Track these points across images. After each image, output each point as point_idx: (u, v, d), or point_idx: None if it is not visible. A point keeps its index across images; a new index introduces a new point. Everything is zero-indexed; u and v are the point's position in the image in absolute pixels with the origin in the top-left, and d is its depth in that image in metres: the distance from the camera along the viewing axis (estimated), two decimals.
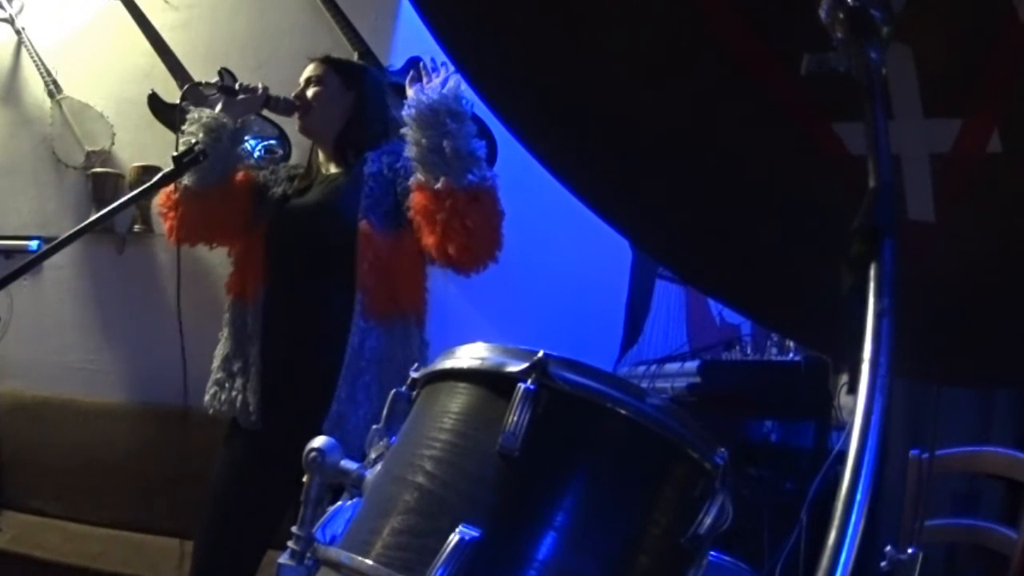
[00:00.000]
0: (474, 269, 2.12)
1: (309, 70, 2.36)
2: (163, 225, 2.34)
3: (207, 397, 2.25)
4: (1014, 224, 1.08)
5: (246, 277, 2.26)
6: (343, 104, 2.33)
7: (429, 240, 2.08)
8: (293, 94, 2.35)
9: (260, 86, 2.34)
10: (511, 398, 0.86)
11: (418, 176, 2.08)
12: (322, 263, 2.22)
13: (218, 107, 2.28)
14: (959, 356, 1.26)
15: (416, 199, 2.09)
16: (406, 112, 2.08)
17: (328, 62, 2.37)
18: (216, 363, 2.26)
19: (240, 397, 2.17)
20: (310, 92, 2.32)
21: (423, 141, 2.03)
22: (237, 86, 2.32)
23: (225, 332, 2.27)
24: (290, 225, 2.26)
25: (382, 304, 2.16)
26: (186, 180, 2.19)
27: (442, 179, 2.02)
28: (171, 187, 2.22)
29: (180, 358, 2.90)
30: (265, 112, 2.48)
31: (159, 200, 2.31)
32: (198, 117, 2.23)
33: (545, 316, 3.35)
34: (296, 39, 3.50)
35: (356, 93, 2.35)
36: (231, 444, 2.24)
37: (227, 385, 2.21)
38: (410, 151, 2.08)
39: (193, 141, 2.16)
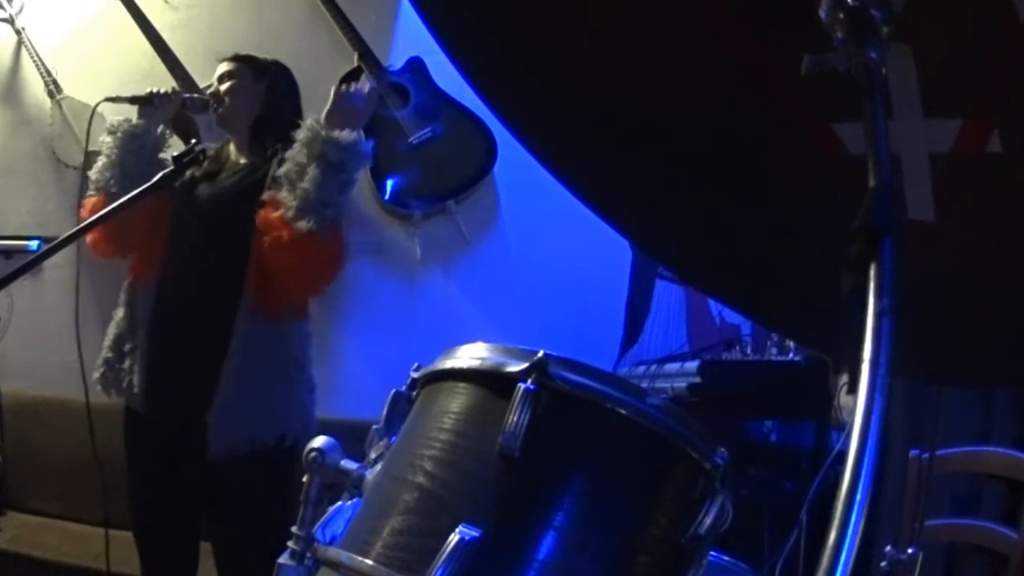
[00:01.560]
0: (270, 306, 2.19)
1: (221, 68, 2.40)
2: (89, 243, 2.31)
3: (95, 375, 2.29)
4: (1014, 224, 1.08)
5: (142, 262, 2.30)
6: (254, 95, 2.36)
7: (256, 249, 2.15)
8: (208, 92, 2.39)
9: (172, 89, 2.39)
10: (511, 398, 0.86)
11: (279, 193, 2.14)
12: (215, 251, 2.25)
13: (135, 118, 2.31)
14: (959, 356, 1.26)
15: (265, 210, 2.15)
16: (306, 123, 2.17)
17: (238, 59, 2.42)
18: (107, 342, 2.29)
19: (128, 378, 2.22)
20: (223, 87, 2.35)
21: (299, 161, 2.14)
22: (150, 92, 2.35)
23: (120, 312, 2.30)
24: (191, 210, 2.28)
25: (271, 299, 2.19)
26: (112, 190, 2.21)
27: (284, 210, 2.11)
28: (96, 201, 2.24)
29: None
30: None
31: (84, 214, 2.27)
32: (114, 129, 2.27)
33: (545, 316, 3.35)
34: (296, 39, 3.51)
35: (267, 85, 2.38)
36: (127, 431, 2.29)
37: (116, 366, 2.26)
38: (285, 164, 2.15)
39: (109, 156, 2.23)
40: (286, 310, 2.24)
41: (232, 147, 2.40)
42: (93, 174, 2.29)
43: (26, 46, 3.53)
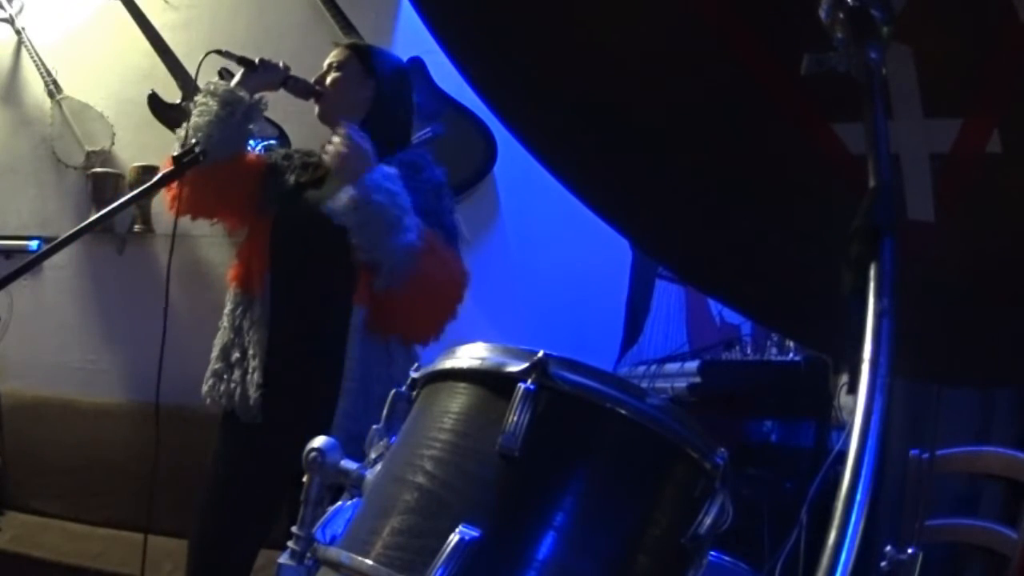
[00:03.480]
0: (380, 327, 2.12)
1: (332, 55, 2.27)
2: (165, 196, 2.23)
3: (205, 388, 2.19)
4: (1014, 224, 1.08)
5: (252, 266, 2.20)
6: (362, 92, 2.23)
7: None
8: (314, 79, 2.26)
9: (281, 63, 2.25)
10: (511, 398, 0.86)
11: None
12: (328, 260, 2.13)
13: (235, 80, 2.20)
14: (959, 356, 1.26)
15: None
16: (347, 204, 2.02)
17: (351, 48, 2.29)
18: (215, 353, 2.20)
19: (239, 389, 2.12)
20: (329, 78, 2.24)
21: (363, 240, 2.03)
22: (257, 60, 2.23)
23: (225, 322, 2.21)
24: (301, 216, 2.18)
25: (381, 321, 2.10)
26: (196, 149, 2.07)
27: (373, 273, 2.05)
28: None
29: (176, 356, 2.87)
30: (267, 114, 2.43)
31: (165, 164, 2.18)
32: (213, 89, 2.15)
33: (545, 316, 3.35)
34: (296, 39, 3.51)
35: (378, 82, 2.24)
36: (227, 440, 2.20)
37: (225, 376, 2.16)
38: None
39: (201, 117, 2.11)
40: (395, 333, 2.15)
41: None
42: (180, 132, 2.16)
43: (26, 46, 3.53)
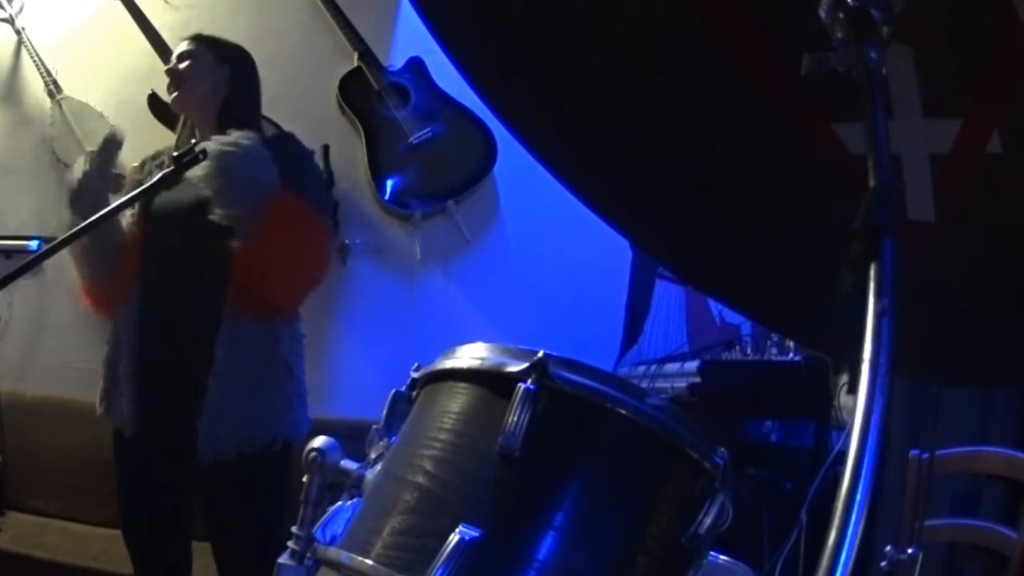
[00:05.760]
0: (255, 308, 2.12)
1: (180, 47, 2.26)
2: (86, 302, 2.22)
3: (97, 400, 2.19)
4: (1014, 224, 1.08)
5: (124, 276, 2.16)
6: (217, 78, 2.22)
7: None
8: (165, 69, 2.25)
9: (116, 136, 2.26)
10: (511, 398, 0.86)
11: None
12: (197, 253, 2.13)
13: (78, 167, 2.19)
14: (959, 356, 1.26)
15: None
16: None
17: (199, 39, 2.27)
18: (104, 368, 2.18)
19: (118, 405, 2.13)
20: (182, 66, 2.21)
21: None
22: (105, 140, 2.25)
23: (109, 338, 2.19)
24: (162, 212, 2.17)
25: (255, 301, 2.10)
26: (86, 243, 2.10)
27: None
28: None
29: None
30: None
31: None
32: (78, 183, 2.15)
33: (545, 316, 3.35)
34: (296, 39, 3.51)
35: (230, 67, 2.25)
36: (118, 459, 2.19)
37: (112, 393, 2.16)
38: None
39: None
40: (272, 311, 2.14)
41: (189, 136, 2.24)
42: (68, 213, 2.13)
43: (26, 46, 3.53)
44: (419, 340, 3.30)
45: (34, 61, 3.50)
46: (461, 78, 1.23)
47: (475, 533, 0.82)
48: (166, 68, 2.25)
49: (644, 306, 3.16)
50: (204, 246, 2.10)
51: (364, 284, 3.47)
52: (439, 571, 0.80)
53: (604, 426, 0.90)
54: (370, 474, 0.98)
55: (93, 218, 1.88)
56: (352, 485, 0.99)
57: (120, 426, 2.15)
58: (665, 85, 1.16)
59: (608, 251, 3.01)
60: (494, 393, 0.90)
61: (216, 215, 2.02)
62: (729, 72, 1.07)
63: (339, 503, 1.00)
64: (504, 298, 3.44)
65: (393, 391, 1.04)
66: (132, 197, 1.94)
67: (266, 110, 2.35)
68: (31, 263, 1.81)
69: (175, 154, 1.98)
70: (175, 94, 2.22)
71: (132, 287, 2.14)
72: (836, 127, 1.05)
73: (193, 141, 2.13)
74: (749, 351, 2.90)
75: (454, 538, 0.81)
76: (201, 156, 1.97)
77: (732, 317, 3.08)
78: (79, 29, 3.61)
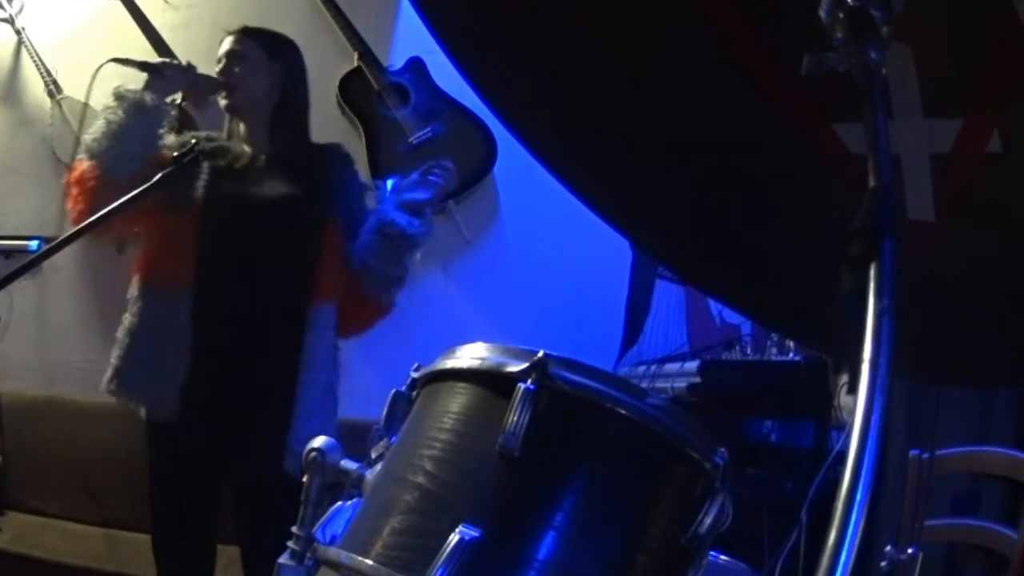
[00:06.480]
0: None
1: (228, 43, 2.18)
2: (70, 211, 2.07)
3: (104, 380, 2.08)
4: (1014, 224, 1.08)
5: (169, 263, 2.08)
6: (272, 78, 2.17)
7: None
8: (216, 71, 2.17)
9: (186, 62, 2.19)
10: (511, 398, 0.86)
11: (365, 260, 2.15)
12: (277, 258, 2.09)
13: (142, 86, 2.11)
14: (959, 356, 1.26)
15: (348, 274, 2.15)
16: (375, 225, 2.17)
17: (247, 34, 2.21)
18: (120, 351, 2.06)
19: (155, 391, 2.04)
20: (236, 69, 2.15)
21: (377, 259, 2.16)
22: (162, 61, 2.18)
23: (136, 320, 2.07)
24: (234, 207, 2.10)
25: (344, 316, 2.15)
26: (106, 160, 2.01)
27: (371, 287, 2.17)
28: (88, 168, 2.02)
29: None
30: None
31: (72, 178, 2.06)
32: (123, 94, 2.07)
33: (545, 316, 3.35)
34: (296, 39, 3.49)
35: (281, 64, 2.19)
36: (153, 446, 2.14)
37: (133, 374, 2.06)
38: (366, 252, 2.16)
39: (108, 125, 2.03)
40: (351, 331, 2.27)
41: (243, 136, 2.18)
42: (88, 137, 2.05)
43: (26, 46, 3.53)
44: (419, 340, 3.30)
45: (34, 61, 3.50)
46: (461, 78, 1.23)
47: (475, 533, 0.82)
48: (217, 72, 2.17)
49: (644, 306, 3.16)
50: (287, 246, 2.10)
51: None
52: (439, 571, 0.80)
53: (604, 426, 0.90)
54: (370, 474, 0.98)
55: (93, 218, 1.86)
56: (352, 485, 0.99)
57: (155, 414, 2.08)
58: (665, 85, 1.16)
59: (608, 251, 3.01)
60: (494, 393, 0.90)
61: (362, 266, 2.15)
62: (729, 72, 1.07)
63: (339, 503, 1.00)
64: (504, 298, 3.44)
65: (393, 391, 1.04)
66: (132, 197, 1.93)
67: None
68: (31, 263, 1.81)
69: (175, 154, 1.97)
70: (227, 101, 2.16)
71: (187, 277, 2.06)
72: (836, 127, 1.05)
73: (220, 140, 2.17)
74: (749, 351, 2.90)
75: (454, 538, 0.81)
76: (200, 156, 1.96)
77: (732, 317, 3.07)
78: (79, 29, 3.60)
